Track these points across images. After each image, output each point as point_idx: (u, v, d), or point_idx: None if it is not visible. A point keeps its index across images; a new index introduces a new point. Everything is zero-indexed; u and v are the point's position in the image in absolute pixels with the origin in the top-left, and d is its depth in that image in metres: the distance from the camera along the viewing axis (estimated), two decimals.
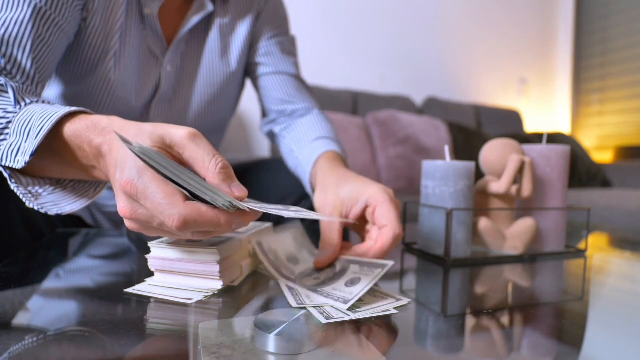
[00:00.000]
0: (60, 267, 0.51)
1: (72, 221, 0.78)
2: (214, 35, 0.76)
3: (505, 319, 0.37)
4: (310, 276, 0.42)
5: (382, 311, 0.35)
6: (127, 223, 0.36)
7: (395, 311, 0.36)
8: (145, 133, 0.36)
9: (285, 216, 0.33)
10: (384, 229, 0.46)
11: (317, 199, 0.54)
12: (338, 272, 0.41)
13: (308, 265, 0.47)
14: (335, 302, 0.35)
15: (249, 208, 0.33)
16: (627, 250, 0.76)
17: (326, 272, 0.42)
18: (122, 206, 0.34)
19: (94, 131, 0.40)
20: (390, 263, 0.40)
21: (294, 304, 0.37)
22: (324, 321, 0.32)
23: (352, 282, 0.37)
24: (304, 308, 0.35)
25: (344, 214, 0.50)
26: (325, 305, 0.36)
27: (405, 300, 0.38)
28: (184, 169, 0.32)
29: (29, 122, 0.43)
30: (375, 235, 0.48)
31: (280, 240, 0.49)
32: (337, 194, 0.51)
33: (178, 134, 0.35)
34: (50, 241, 0.64)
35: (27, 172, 0.47)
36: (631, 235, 0.92)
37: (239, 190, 0.35)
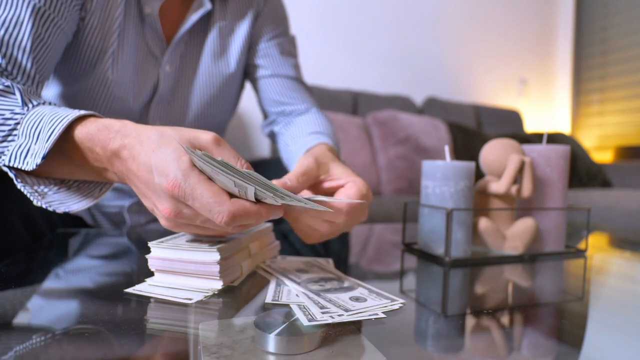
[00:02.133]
0: (60, 267, 0.51)
1: (72, 221, 0.79)
2: (213, 37, 0.76)
3: (505, 319, 0.37)
4: (317, 283, 0.42)
5: (370, 315, 0.34)
6: (164, 222, 0.38)
7: (383, 315, 0.34)
8: (169, 137, 0.37)
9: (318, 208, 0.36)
10: (347, 185, 0.47)
11: (302, 158, 0.53)
12: (345, 287, 0.41)
13: (316, 274, 0.46)
14: (337, 308, 0.35)
15: (304, 202, 0.35)
16: (627, 250, 0.76)
17: (332, 283, 0.42)
18: (166, 207, 0.36)
19: (108, 134, 0.41)
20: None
21: (269, 299, 0.37)
22: (306, 323, 0.31)
23: (357, 300, 0.37)
24: (282, 305, 0.35)
25: (315, 175, 0.49)
26: (301, 304, 0.35)
27: (397, 303, 0.36)
28: (243, 172, 0.34)
29: (39, 124, 0.44)
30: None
31: (291, 261, 0.51)
32: (319, 161, 0.51)
33: (204, 138, 0.38)
34: (50, 241, 0.64)
35: (33, 173, 0.47)
36: (631, 235, 0.92)
37: None
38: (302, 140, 0.73)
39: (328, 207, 0.37)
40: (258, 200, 0.36)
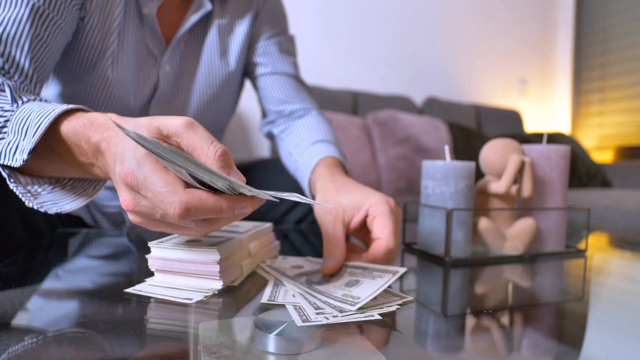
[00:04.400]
0: (60, 267, 0.51)
1: (72, 221, 0.78)
2: (212, 36, 0.76)
3: (505, 319, 0.37)
4: (316, 283, 0.42)
5: (365, 317, 0.34)
6: (131, 217, 0.36)
7: (379, 317, 0.34)
8: (142, 126, 0.35)
9: (285, 197, 0.33)
10: (377, 241, 0.46)
11: (318, 207, 0.53)
12: (343, 288, 0.40)
13: (316, 274, 0.46)
14: (342, 303, 0.35)
15: (249, 190, 0.32)
16: (627, 250, 0.76)
17: (332, 282, 0.42)
18: (124, 198, 0.34)
19: (91, 128, 0.40)
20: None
21: (264, 299, 0.37)
22: (299, 323, 0.31)
23: (352, 284, 0.37)
24: (277, 305, 0.35)
25: (346, 222, 0.49)
26: (297, 305, 0.35)
27: (394, 305, 0.36)
28: (181, 153, 0.32)
29: (27, 120, 0.43)
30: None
31: (292, 261, 0.51)
32: (338, 202, 0.51)
33: (174, 123, 0.35)
34: (50, 241, 0.64)
35: (26, 171, 0.47)
36: (631, 235, 0.92)
37: (238, 177, 0.35)
38: (306, 152, 0.72)
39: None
40: (221, 192, 0.32)
